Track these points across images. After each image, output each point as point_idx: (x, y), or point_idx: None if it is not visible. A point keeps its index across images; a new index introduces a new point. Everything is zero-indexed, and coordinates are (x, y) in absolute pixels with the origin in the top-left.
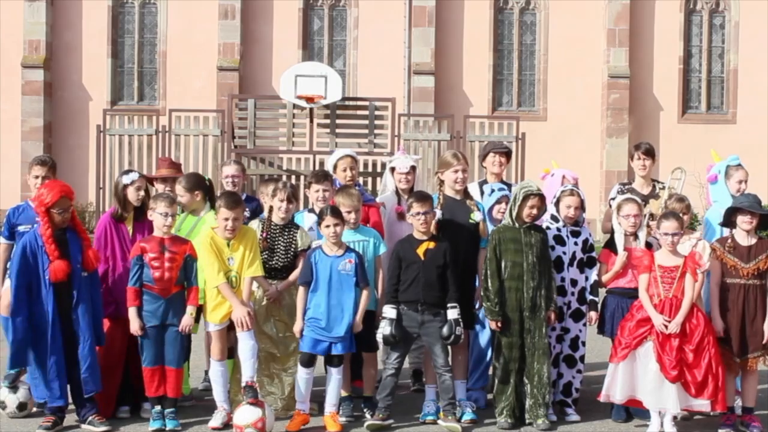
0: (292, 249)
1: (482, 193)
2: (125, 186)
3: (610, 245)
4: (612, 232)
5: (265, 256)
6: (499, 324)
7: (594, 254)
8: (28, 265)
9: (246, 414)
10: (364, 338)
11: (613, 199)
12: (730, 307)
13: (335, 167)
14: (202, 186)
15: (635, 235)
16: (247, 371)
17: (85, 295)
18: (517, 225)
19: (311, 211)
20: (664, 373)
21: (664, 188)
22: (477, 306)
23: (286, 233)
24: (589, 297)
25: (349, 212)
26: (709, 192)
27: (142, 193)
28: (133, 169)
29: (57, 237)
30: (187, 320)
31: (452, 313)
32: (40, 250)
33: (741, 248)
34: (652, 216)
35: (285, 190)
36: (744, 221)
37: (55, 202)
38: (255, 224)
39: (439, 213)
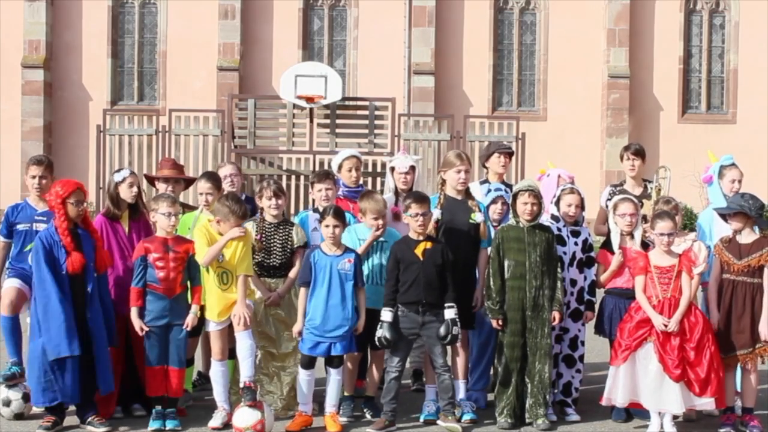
0: (289, 246)
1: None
2: (117, 184)
3: (607, 245)
4: (608, 231)
5: (262, 255)
6: (500, 322)
7: (593, 254)
8: (49, 258)
9: (245, 416)
10: (370, 337)
11: (609, 199)
12: (718, 302)
13: (340, 167)
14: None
15: (631, 235)
16: (246, 371)
17: (98, 294)
18: (521, 224)
19: (316, 210)
20: (667, 373)
21: (655, 188)
22: (477, 305)
23: (281, 231)
24: (586, 296)
25: (376, 218)
26: (708, 193)
27: (135, 189)
28: (124, 167)
29: (71, 231)
30: (191, 319)
31: (449, 313)
32: (57, 246)
33: (735, 245)
34: (644, 218)
35: (270, 187)
36: (731, 222)
37: (71, 192)
38: (249, 225)
39: (438, 212)
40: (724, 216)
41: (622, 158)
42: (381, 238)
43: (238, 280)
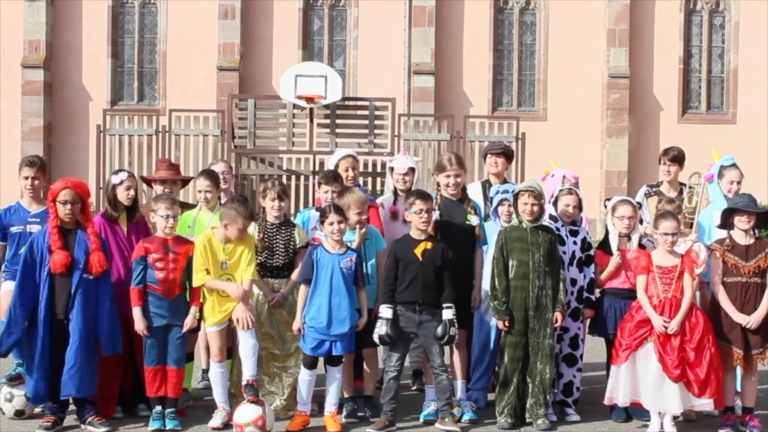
0: (291, 246)
1: (485, 193)
2: (114, 186)
3: (604, 246)
4: (606, 233)
5: (265, 255)
6: (506, 323)
7: (592, 252)
8: (33, 259)
9: (246, 412)
10: (362, 335)
11: (647, 196)
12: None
13: (336, 167)
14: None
15: (629, 237)
16: (248, 370)
17: (84, 297)
18: (524, 225)
19: (318, 209)
20: (667, 373)
21: (690, 193)
22: (475, 305)
23: (283, 231)
24: (585, 294)
25: (359, 213)
26: (708, 192)
27: (131, 192)
28: (123, 168)
29: (64, 233)
30: (190, 320)
31: (447, 314)
32: (45, 246)
33: (740, 247)
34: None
35: (274, 189)
36: (741, 221)
37: (59, 192)
38: (252, 226)
39: (436, 213)
40: (728, 213)
41: (660, 161)
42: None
43: (243, 284)
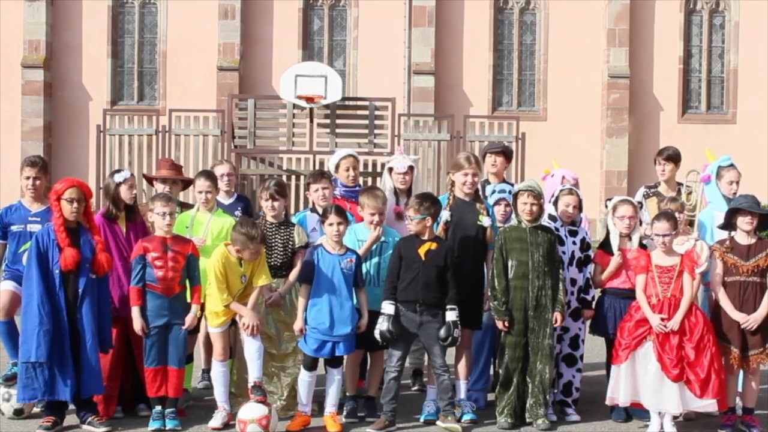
0: (290, 246)
1: (483, 193)
2: (118, 185)
3: (605, 246)
4: (607, 233)
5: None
6: (506, 324)
7: (590, 252)
8: (41, 257)
9: (252, 410)
10: (368, 338)
11: (645, 197)
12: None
13: (337, 167)
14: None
15: (629, 237)
16: (254, 372)
17: (91, 296)
18: (523, 225)
19: (313, 210)
20: (665, 372)
21: (689, 192)
22: (486, 305)
23: (282, 231)
24: (581, 295)
25: (373, 214)
26: (705, 192)
27: (135, 191)
28: (122, 168)
29: (69, 230)
30: (191, 318)
31: (451, 315)
32: (52, 244)
33: (740, 247)
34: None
35: (267, 189)
36: (744, 222)
37: (66, 190)
38: None
39: (447, 214)
40: (733, 213)
41: (655, 161)
42: (381, 238)
43: (253, 291)
